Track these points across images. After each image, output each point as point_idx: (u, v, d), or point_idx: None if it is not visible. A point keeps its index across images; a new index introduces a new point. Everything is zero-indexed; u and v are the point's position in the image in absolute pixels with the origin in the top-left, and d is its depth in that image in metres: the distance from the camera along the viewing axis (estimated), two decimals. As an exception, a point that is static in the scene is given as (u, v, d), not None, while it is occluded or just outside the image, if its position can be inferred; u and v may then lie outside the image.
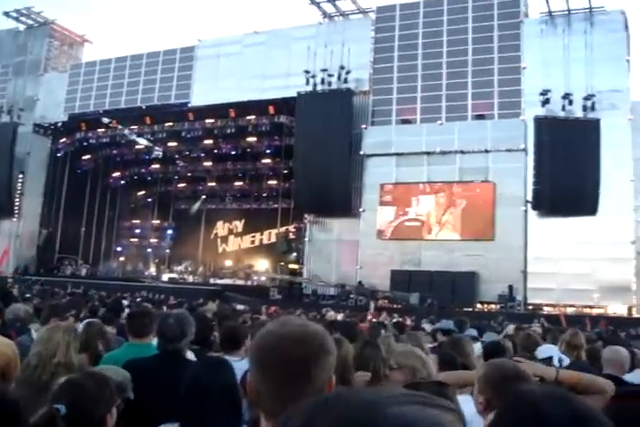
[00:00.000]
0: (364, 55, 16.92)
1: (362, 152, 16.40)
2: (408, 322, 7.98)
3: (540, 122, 14.49)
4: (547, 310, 14.61)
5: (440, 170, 15.79)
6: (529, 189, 14.80)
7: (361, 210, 16.45)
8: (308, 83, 16.75)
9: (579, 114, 14.45)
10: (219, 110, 18.59)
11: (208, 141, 20.65)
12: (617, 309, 14.12)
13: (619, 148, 14.01)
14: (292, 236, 18.86)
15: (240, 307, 9.31)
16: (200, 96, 18.70)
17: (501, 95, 15.50)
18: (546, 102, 14.60)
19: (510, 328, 6.87)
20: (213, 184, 23.15)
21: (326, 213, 16.50)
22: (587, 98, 14.30)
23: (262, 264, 21.50)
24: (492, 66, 15.64)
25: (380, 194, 16.00)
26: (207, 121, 19.45)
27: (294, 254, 18.46)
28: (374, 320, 8.05)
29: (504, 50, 15.63)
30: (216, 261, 23.16)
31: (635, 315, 13.73)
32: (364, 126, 16.58)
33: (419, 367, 2.05)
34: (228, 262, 22.76)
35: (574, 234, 14.14)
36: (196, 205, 23.86)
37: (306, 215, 17.34)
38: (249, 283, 19.65)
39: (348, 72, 16.55)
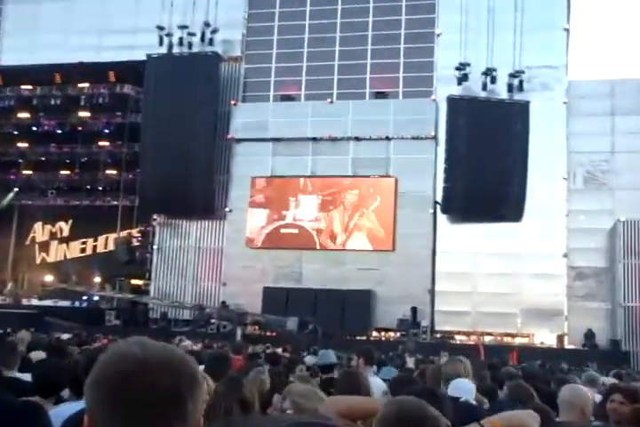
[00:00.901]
0: (235, 9, 16.31)
1: (230, 135, 15.82)
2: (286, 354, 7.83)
3: (454, 103, 14.28)
4: (459, 338, 14.27)
5: (328, 161, 15.36)
6: (439, 186, 14.51)
7: (227, 210, 15.89)
8: (161, 43, 15.99)
9: (503, 95, 14.36)
10: (39, 74, 17.61)
11: (23, 115, 19.48)
12: (545, 338, 13.82)
13: (551, 137, 13.88)
14: (135, 242, 18.12)
15: (64, 336, 9.08)
16: (12, 54, 17.64)
17: (408, 68, 15.35)
18: (463, 79, 14.39)
19: (410, 361, 6.84)
20: (30, 172, 21.38)
21: (181, 214, 15.94)
22: (514, 75, 14.20)
23: (96, 279, 20.08)
24: (397, 30, 15.48)
25: (252, 192, 15.55)
26: (23, 87, 18.40)
27: (138, 266, 17.71)
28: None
29: (414, 11, 15.42)
30: (32, 276, 21.76)
31: (567, 345, 13.27)
32: (233, 102, 16.12)
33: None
34: (49, 277, 21.03)
35: (494, 244, 13.92)
36: (5, 201, 22.13)
37: (155, 216, 16.82)
38: (77, 304, 18.09)
39: (214, 31, 15.91)
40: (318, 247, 15.35)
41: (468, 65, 14.30)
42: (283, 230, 15.56)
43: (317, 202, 15.42)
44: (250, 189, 15.79)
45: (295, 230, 15.44)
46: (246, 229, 15.66)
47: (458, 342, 13.78)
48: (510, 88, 14.27)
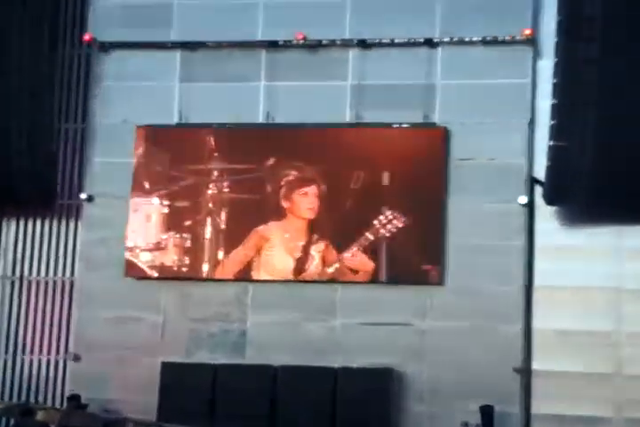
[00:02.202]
0: None
1: (87, 35, 11.27)
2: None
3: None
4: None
5: (302, 94, 10.67)
6: (540, 150, 9.92)
7: (83, 198, 11.20)
8: None
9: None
10: None
11: None
12: None
13: None
14: None
15: None
16: None
17: None
18: None
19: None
20: None
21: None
22: None
23: None
24: None
25: (136, 162, 11.01)
26: None
27: None
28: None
29: None
30: None
31: None
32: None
33: None
34: None
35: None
36: None
37: None
38: None
39: None
40: (280, 277, 10.51)
41: None
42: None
43: (280, 185, 10.63)
44: (132, 156, 10.81)
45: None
46: (125, 238, 10.78)
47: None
48: None
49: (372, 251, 10.06)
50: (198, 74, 10.82)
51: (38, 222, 11.54)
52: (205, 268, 10.58)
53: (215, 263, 10.62)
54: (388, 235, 10.02)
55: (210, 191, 10.73)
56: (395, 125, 10.13)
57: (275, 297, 10.50)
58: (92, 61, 11.29)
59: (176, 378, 10.33)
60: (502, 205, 9.78)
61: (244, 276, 10.65)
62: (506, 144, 9.98)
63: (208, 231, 10.68)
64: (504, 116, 10.02)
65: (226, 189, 10.67)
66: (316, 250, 10.24)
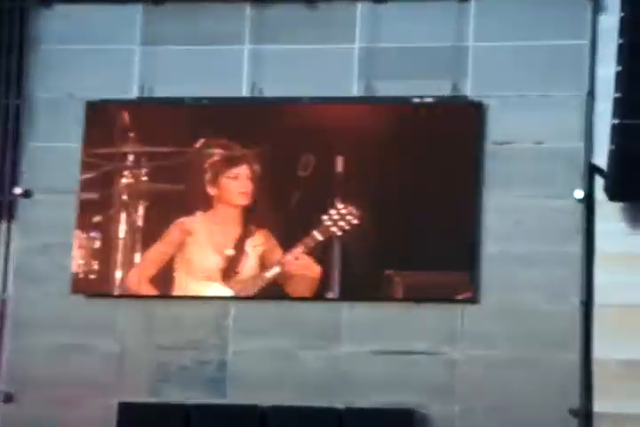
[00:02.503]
0: None
1: None
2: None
3: None
4: None
5: (295, 59, 9.92)
6: (600, 130, 9.07)
7: (17, 193, 10.43)
8: None
9: None
10: None
11: None
12: None
13: None
14: None
15: None
16: None
17: None
18: None
19: None
20: None
21: None
22: None
23: None
24: None
25: (85, 147, 10.08)
26: None
27: None
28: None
29: None
30: None
31: None
32: None
33: None
34: None
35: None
36: None
37: None
38: None
39: None
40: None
41: None
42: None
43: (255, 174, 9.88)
44: (81, 139, 9.81)
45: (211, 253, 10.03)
46: (73, 244, 9.79)
47: None
48: None
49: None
50: (165, 34, 9.88)
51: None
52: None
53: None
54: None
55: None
56: (415, 100, 9.24)
57: (262, 318, 9.49)
58: (28, 18, 10.13)
59: (138, 423, 9.36)
60: (552, 200, 8.97)
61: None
62: (557, 123, 9.21)
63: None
64: (555, 87, 9.27)
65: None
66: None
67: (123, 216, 9.85)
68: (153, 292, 9.87)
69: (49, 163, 10.07)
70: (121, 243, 9.89)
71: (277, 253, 9.57)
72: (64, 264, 9.76)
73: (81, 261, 9.88)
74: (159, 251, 9.78)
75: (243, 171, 9.71)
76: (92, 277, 9.99)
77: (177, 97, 9.83)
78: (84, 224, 10.00)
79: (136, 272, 9.79)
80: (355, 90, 9.47)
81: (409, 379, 9.14)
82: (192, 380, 9.52)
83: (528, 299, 8.96)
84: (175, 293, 9.83)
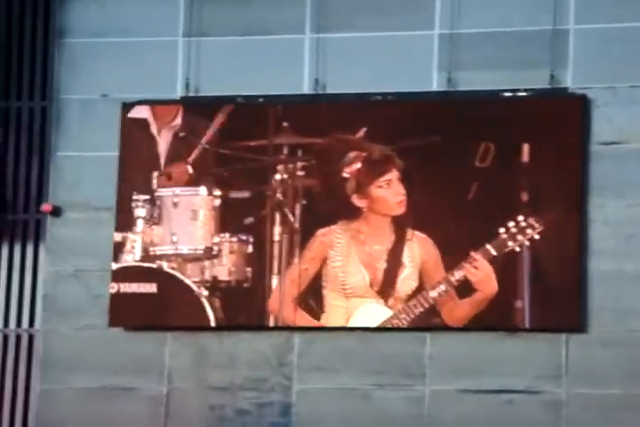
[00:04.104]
0: None
1: None
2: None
3: None
4: None
5: (365, 50, 10.25)
6: None
7: (44, 209, 10.65)
8: None
9: None
10: None
11: None
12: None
13: None
14: None
15: None
16: None
17: None
18: None
19: None
20: None
21: None
22: None
23: None
24: None
25: (122, 153, 10.72)
26: None
27: None
28: None
29: None
30: None
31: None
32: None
33: None
34: None
35: None
36: None
37: None
38: None
39: None
40: (355, 296, 10.05)
41: None
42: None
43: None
44: (117, 148, 10.28)
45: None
46: (111, 270, 10.24)
47: None
48: None
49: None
50: (211, 24, 10.02)
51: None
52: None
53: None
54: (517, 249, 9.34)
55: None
56: (506, 94, 9.22)
57: (331, 352, 9.64)
58: (53, 8, 10.43)
59: None
60: (672, 211, 8.68)
61: (305, 304, 9.94)
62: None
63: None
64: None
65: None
66: (411, 256, 9.53)
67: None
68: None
69: (81, 175, 10.18)
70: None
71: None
72: (99, 293, 9.79)
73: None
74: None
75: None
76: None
77: (227, 95, 9.90)
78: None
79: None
80: (434, 83, 9.56)
81: (504, 423, 9.11)
82: (251, 426, 10.00)
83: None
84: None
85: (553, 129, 9.48)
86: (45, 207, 10.30)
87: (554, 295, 9.36)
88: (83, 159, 10.49)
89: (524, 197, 9.62)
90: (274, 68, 10.16)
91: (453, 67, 9.80)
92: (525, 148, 9.50)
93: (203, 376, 9.98)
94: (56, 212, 10.37)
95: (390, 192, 9.79)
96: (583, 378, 9.07)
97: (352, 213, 9.92)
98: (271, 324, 10.06)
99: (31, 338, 10.38)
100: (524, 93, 9.61)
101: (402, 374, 9.55)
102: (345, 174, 9.87)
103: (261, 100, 10.29)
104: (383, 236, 9.91)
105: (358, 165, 9.85)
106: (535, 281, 9.42)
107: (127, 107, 10.39)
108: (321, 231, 10.01)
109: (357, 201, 9.83)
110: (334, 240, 10.06)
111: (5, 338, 10.53)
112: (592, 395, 9.05)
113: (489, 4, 9.80)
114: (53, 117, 10.51)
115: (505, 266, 9.56)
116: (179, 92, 10.43)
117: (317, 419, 9.75)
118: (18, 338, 10.46)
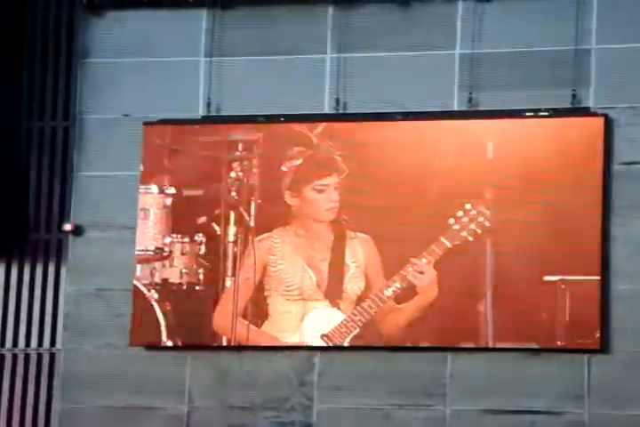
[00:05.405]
0: None
1: None
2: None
3: None
4: None
5: (386, 68, 10.19)
6: None
7: (67, 229, 10.61)
8: None
9: None
10: None
11: None
12: None
13: None
14: None
15: None
16: None
17: None
18: None
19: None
20: None
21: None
22: None
23: None
24: None
25: (144, 173, 10.76)
26: None
27: None
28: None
29: None
30: None
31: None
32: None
33: None
34: None
35: None
36: None
37: None
38: None
39: None
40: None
41: None
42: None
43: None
44: (139, 167, 10.29)
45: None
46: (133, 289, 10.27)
47: None
48: None
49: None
50: (233, 43, 10.03)
51: (-1, 268, 10.56)
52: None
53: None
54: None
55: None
56: (527, 113, 9.23)
57: (352, 372, 9.60)
58: (76, 27, 10.54)
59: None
60: (694, 231, 8.60)
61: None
62: None
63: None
64: None
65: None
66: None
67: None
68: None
69: (102, 195, 10.24)
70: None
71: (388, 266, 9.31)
72: (121, 312, 9.80)
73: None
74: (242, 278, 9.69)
75: (331, 181, 9.66)
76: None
77: (248, 115, 9.88)
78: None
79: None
80: (455, 103, 9.56)
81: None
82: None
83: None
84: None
85: (574, 148, 9.43)
86: (67, 227, 10.29)
87: (576, 315, 9.28)
88: (104, 179, 10.51)
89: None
90: (295, 87, 10.12)
91: (474, 86, 9.81)
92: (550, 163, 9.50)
93: (223, 396, 9.87)
94: (77, 231, 10.39)
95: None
96: (606, 399, 9.01)
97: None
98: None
99: (52, 357, 10.39)
100: (546, 113, 9.59)
101: (422, 393, 9.46)
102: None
103: (282, 119, 10.15)
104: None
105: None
106: (557, 302, 9.37)
107: (149, 126, 10.40)
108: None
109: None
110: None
111: (27, 357, 10.53)
112: (615, 416, 9.00)
113: (510, 24, 9.81)
114: (76, 137, 10.54)
115: (539, 293, 9.44)
116: (200, 112, 10.39)
117: (338, 439, 9.35)
118: (39, 357, 10.45)
